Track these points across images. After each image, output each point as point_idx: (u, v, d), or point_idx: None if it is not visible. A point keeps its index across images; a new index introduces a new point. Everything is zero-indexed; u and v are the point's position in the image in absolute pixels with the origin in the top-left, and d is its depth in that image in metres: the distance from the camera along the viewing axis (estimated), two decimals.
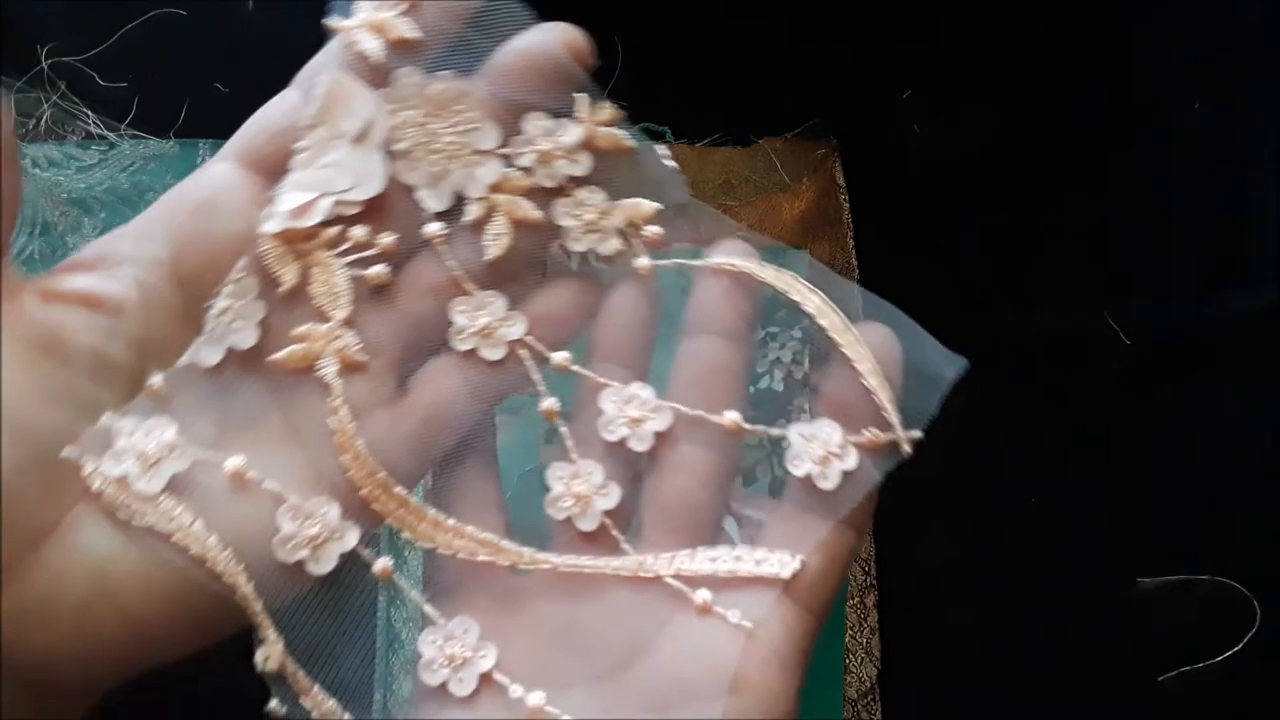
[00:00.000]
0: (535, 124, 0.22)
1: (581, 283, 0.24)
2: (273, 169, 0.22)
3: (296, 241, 0.22)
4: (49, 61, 0.42)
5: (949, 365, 0.21)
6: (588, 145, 0.22)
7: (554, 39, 0.22)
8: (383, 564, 0.22)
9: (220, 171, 0.22)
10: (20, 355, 0.19)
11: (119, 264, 0.21)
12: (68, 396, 0.20)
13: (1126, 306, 0.48)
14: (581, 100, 0.22)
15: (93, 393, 0.20)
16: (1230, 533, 0.47)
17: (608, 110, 0.22)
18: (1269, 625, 0.44)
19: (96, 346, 0.20)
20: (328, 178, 0.22)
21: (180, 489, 0.20)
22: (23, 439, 0.19)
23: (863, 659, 0.44)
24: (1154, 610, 0.45)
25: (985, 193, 0.49)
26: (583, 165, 0.23)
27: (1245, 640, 0.44)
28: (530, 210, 0.23)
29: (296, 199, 0.21)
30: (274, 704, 0.21)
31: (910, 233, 0.48)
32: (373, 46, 0.22)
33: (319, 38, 0.23)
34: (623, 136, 0.23)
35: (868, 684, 0.44)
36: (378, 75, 0.22)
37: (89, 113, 0.42)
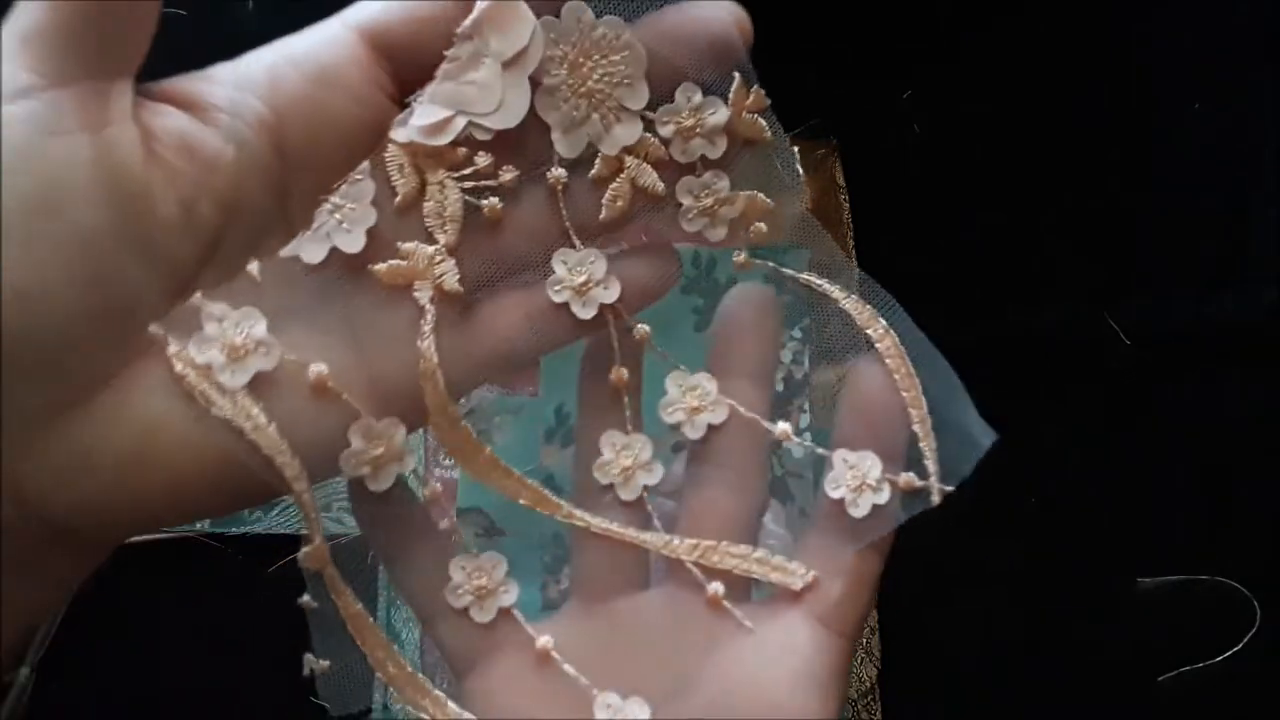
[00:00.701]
0: (685, 95, 0.22)
1: (665, 254, 0.23)
2: (397, 53, 0.21)
3: (420, 156, 0.21)
4: None
5: (983, 435, 0.22)
6: (728, 129, 0.22)
7: (730, 15, 0.21)
8: (433, 488, 0.24)
9: (340, 38, 0.20)
10: (108, 195, 0.18)
11: (217, 110, 0.20)
12: (146, 246, 0.19)
13: (1126, 306, 0.48)
14: (738, 82, 0.21)
15: (172, 247, 0.19)
16: (1230, 533, 0.47)
17: (757, 96, 0.22)
18: (1269, 625, 0.44)
19: (185, 199, 0.19)
20: (470, 97, 0.21)
21: (261, 387, 0.20)
22: (97, 283, 0.18)
23: (863, 659, 0.44)
24: (1154, 610, 0.45)
25: (985, 193, 0.49)
26: (718, 149, 0.22)
27: (1245, 640, 0.44)
28: (655, 182, 0.22)
29: (434, 114, 0.21)
30: (306, 598, 0.22)
31: (910, 233, 0.48)
32: None
33: None
34: (764, 126, 0.22)
35: (868, 684, 0.44)
36: (544, 2, 0.21)
37: None
